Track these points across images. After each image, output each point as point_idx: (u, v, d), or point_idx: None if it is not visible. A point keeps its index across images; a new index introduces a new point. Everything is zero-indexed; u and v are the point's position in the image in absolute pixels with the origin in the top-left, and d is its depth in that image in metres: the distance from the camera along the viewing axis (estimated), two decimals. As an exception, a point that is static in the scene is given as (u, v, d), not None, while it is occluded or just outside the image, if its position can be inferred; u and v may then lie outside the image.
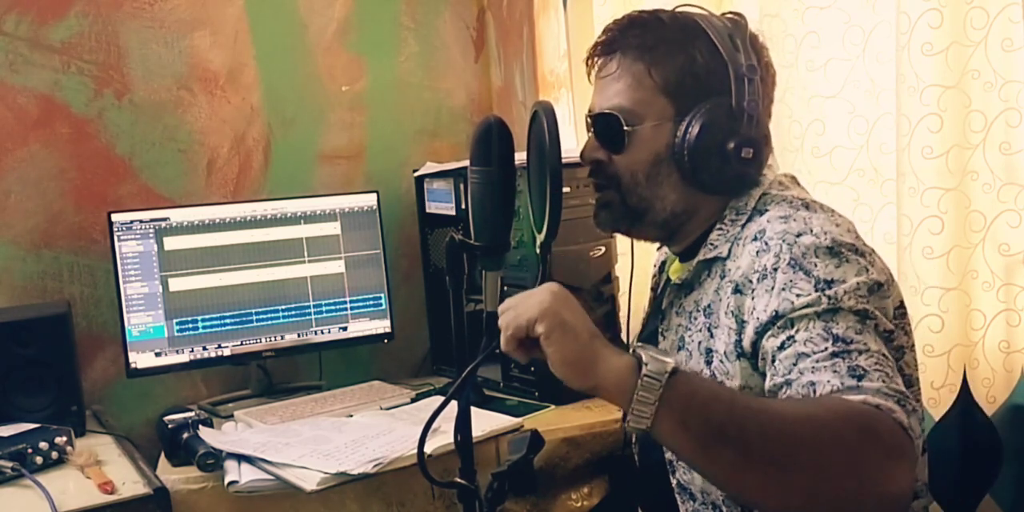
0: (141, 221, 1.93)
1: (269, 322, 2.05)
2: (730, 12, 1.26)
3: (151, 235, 1.94)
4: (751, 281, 1.13)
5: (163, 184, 2.09)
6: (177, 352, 1.97)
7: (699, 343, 1.23)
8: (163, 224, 1.95)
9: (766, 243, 1.13)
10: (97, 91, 2.01)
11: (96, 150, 2.02)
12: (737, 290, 1.15)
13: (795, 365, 1.02)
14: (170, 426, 1.65)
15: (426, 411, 1.36)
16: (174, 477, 1.57)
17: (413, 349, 2.30)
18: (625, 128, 1.22)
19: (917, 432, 0.95)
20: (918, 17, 1.44)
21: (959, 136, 1.46)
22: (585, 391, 0.97)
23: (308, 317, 2.08)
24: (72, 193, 2.00)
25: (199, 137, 2.12)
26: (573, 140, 1.97)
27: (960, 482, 1.52)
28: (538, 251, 1.12)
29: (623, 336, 1.52)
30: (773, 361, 1.06)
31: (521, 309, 0.99)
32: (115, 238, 1.91)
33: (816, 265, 1.08)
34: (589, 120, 1.28)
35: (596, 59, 1.27)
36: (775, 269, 1.10)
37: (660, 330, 1.32)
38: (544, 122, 1.08)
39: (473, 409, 1.16)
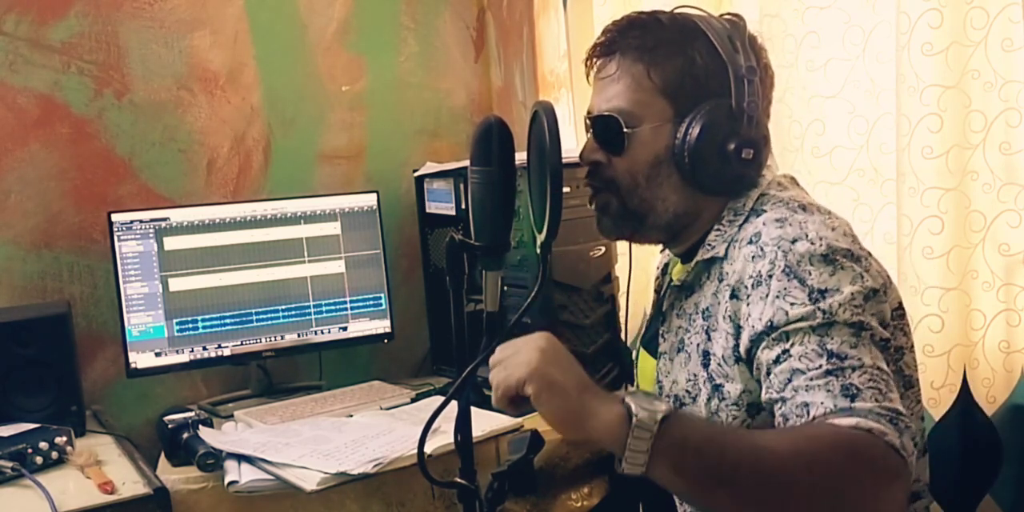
0: (141, 221, 1.93)
1: (269, 322, 2.04)
2: (729, 13, 1.26)
3: (151, 235, 1.94)
4: (747, 287, 1.13)
5: (163, 184, 2.09)
6: (177, 352, 1.97)
7: (697, 345, 1.23)
8: (163, 224, 1.95)
9: (761, 248, 1.13)
10: (97, 91, 2.01)
11: (96, 150, 2.02)
12: (734, 295, 1.15)
13: (789, 381, 1.03)
14: (170, 426, 1.65)
15: (426, 411, 1.36)
16: (174, 477, 1.57)
17: (413, 349, 2.30)
18: (624, 130, 1.22)
19: (910, 450, 0.96)
20: (918, 17, 1.44)
21: (959, 136, 1.46)
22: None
23: (308, 317, 2.08)
24: (72, 193, 2.00)
25: (199, 137, 2.12)
26: (573, 140, 1.97)
27: (960, 482, 1.52)
28: (538, 251, 1.12)
29: (623, 336, 1.52)
30: (768, 373, 1.07)
31: (511, 369, 1.00)
32: (115, 238, 1.91)
33: (811, 273, 1.08)
34: (588, 122, 1.28)
35: (595, 60, 1.27)
36: (770, 276, 1.10)
37: (661, 332, 1.33)
38: (544, 122, 1.07)
39: (473, 409, 1.17)
